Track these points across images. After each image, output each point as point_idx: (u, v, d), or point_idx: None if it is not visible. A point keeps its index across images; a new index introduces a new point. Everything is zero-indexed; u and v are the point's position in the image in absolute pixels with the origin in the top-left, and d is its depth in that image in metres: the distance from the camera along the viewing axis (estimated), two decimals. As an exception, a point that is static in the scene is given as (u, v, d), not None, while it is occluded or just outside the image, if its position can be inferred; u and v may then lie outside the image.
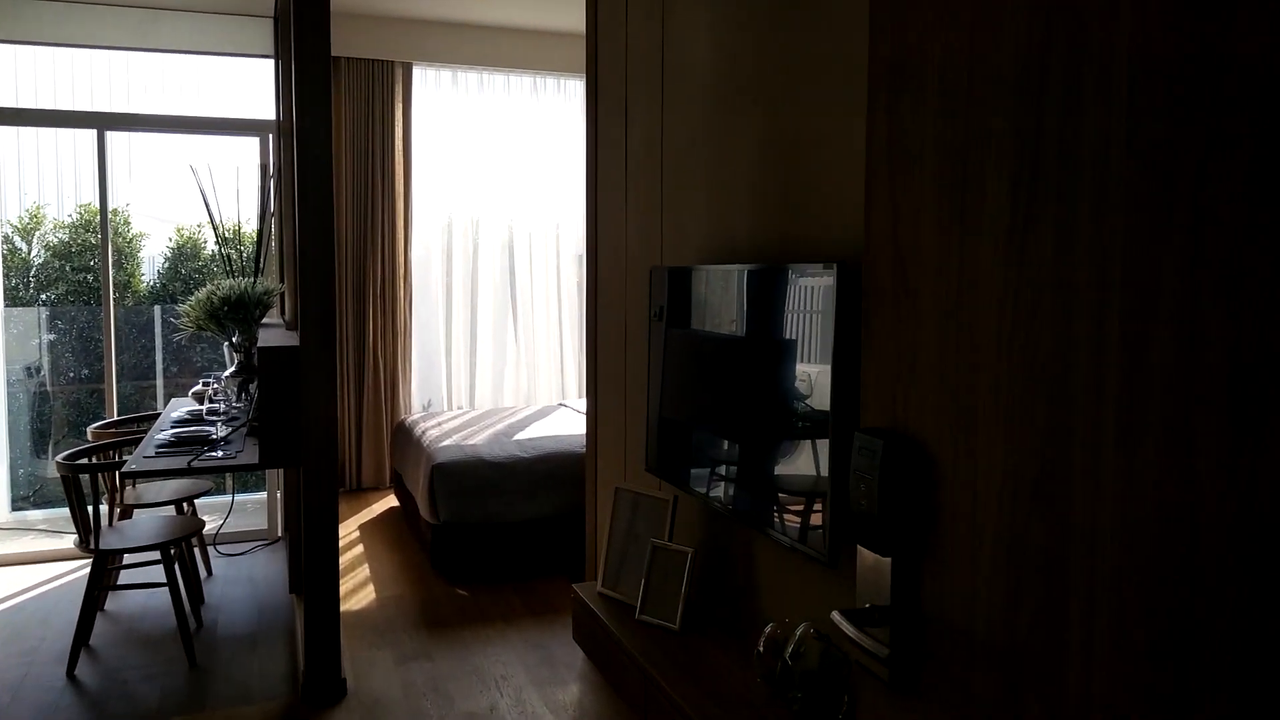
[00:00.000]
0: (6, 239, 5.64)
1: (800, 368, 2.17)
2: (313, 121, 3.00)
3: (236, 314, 3.84)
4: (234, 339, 3.93)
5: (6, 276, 5.57)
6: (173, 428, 3.75)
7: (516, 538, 4.34)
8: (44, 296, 5.79)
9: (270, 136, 5.14)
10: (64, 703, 3.17)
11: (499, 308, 6.46)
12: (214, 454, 3.29)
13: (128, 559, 3.96)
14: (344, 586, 4.15)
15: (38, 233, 5.74)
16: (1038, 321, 0.85)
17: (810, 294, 2.12)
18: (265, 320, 4.08)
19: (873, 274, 1.11)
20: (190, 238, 6.11)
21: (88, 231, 5.74)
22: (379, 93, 5.93)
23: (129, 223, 5.88)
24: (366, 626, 3.79)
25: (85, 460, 3.62)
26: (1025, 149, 0.87)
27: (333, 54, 4.70)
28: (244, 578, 4.47)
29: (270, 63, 5.23)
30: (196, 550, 4.31)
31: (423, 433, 4.96)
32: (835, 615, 1.14)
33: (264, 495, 5.28)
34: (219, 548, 4.83)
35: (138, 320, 5.95)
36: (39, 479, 5.74)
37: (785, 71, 2.34)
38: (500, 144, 6.30)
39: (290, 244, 4.16)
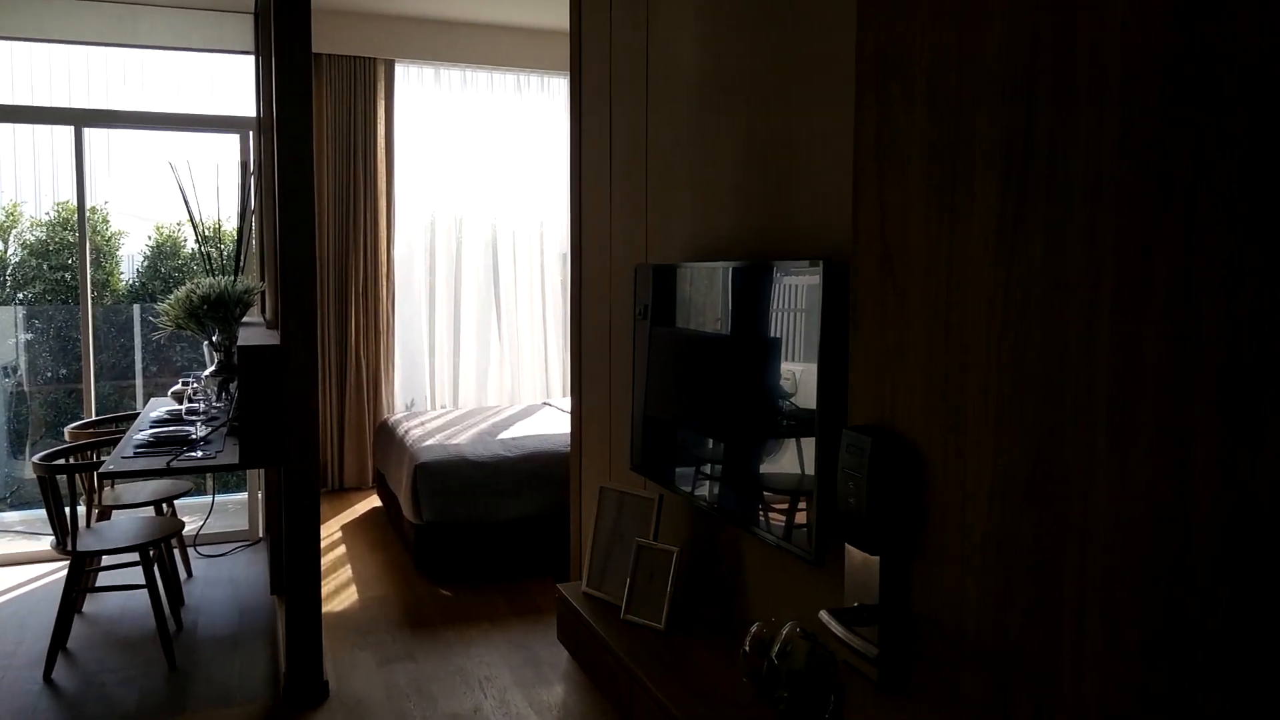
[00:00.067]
0: (-18, 237, 5.57)
1: (785, 366, 2.17)
2: (293, 118, 2.98)
3: (216, 312, 3.81)
4: (214, 338, 3.90)
5: (-18, 275, 5.50)
6: (152, 428, 3.70)
7: (500, 538, 4.32)
8: (21, 295, 5.71)
9: (251, 133, 5.09)
10: (41, 706, 3.13)
11: (482, 306, 6.43)
12: (193, 454, 3.25)
13: (106, 560, 3.91)
14: (326, 587, 4.12)
15: (14, 231, 5.66)
16: (1028, 321, 0.85)
17: (795, 292, 2.11)
18: (245, 319, 4.05)
19: (861, 272, 1.10)
20: (170, 236, 6.05)
21: (65, 229, 5.67)
22: (361, 90, 5.89)
23: (107, 220, 5.81)
24: (349, 628, 3.77)
25: (63, 461, 3.57)
26: (1015, 147, 0.87)
27: (314, 50, 4.67)
28: (225, 579, 4.43)
29: (250, 59, 5.18)
30: (176, 551, 4.27)
31: (406, 432, 4.93)
32: (824, 615, 1.13)
33: (245, 496, 5.24)
34: (199, 549, 4.78)
35: (116, 319, 5.88)
36: (16, 480, 5.67)
37: (770, 70, 2.34)
38: (484, 142, 6.27)
39: (271, 242, 4.13)
